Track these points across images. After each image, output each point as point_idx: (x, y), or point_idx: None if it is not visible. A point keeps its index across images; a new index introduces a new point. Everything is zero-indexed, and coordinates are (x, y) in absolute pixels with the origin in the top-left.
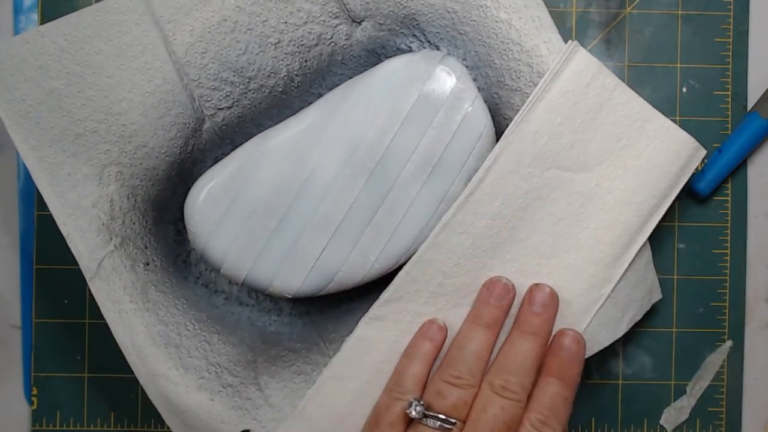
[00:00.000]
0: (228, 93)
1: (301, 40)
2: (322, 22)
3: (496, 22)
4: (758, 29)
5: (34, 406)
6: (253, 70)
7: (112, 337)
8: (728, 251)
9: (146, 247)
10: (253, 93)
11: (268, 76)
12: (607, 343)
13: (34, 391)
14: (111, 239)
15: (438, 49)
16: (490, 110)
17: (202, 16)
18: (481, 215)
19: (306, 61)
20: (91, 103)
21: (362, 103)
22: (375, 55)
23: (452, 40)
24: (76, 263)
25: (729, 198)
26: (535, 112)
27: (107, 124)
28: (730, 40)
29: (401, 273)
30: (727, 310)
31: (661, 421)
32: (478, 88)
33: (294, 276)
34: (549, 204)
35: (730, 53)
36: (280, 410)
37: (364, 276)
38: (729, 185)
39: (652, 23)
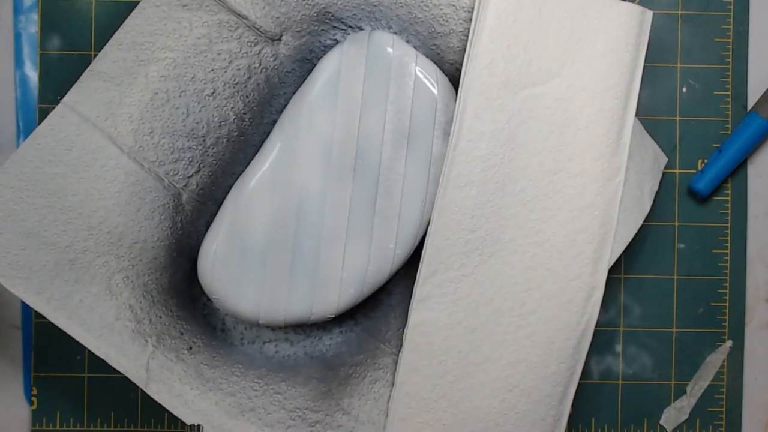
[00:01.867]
0: (190, 159)
1: (234, 80)
2: (245, 55)
3: None
4: (758, 29)
5: (34, 406)
6: (203, 127)
7: None
8: (728, 251)
9: (182, 334)
10: (212, 149)
11: (219, 126)
12: (641, 222)
13: (34, 391)
14: (147, 341)
15: (362, 29)
16: (434, 62)
17: (134, 100)
18: (474, 162)
19: (247, 96)
20: (70, 226)
21: (316, 110)
22: (307, 61)
23: (370, 15)
24: None
25: (729, 198)
26: (480, 46)
27: (94, 238)
28: (730, 40)
29: (426, 247)
30: (727, 310)
31: (661, 421)
32: (414, 47)
33: (328, 295)
34: (532, 123)
35: (730, 53)
36: (374, 422)
37: (391, 266)
38: (729, 185)
39: (653, 24)
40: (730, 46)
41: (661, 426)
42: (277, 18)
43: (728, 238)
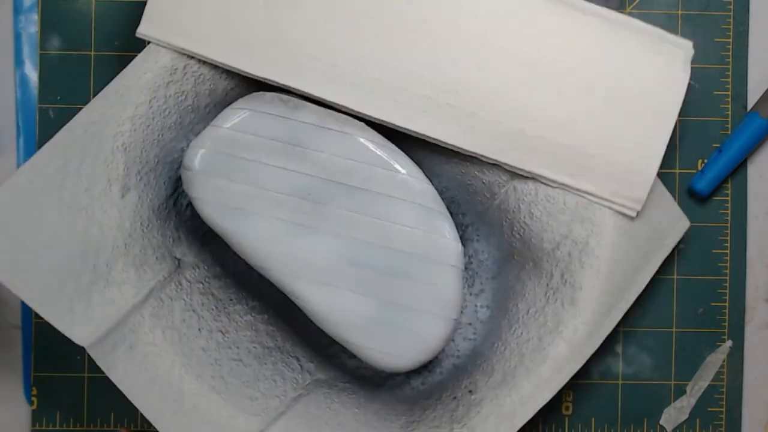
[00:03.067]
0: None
1: (218, 322)
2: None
3: None
4: (758, 29)
5: (34, 406)
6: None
7: None
8: (728, 251)
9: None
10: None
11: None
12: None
13: (34, 391)
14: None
15: (183, 149)
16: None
17: None
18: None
19: (231, 315)
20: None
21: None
22: (208, 232)
23: (174, 145)
24: None
25: (729, 198)
26: None
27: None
28: (730, 40)
29: None
30: (727, 310)
31: (661, 421)
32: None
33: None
34: None
35: (730, 53)
36: None
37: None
38: (729, 185)
39: (652, 23)
40: (730, 46)
41: (661, 426)
42: (156, 260)
43: (728, 238)
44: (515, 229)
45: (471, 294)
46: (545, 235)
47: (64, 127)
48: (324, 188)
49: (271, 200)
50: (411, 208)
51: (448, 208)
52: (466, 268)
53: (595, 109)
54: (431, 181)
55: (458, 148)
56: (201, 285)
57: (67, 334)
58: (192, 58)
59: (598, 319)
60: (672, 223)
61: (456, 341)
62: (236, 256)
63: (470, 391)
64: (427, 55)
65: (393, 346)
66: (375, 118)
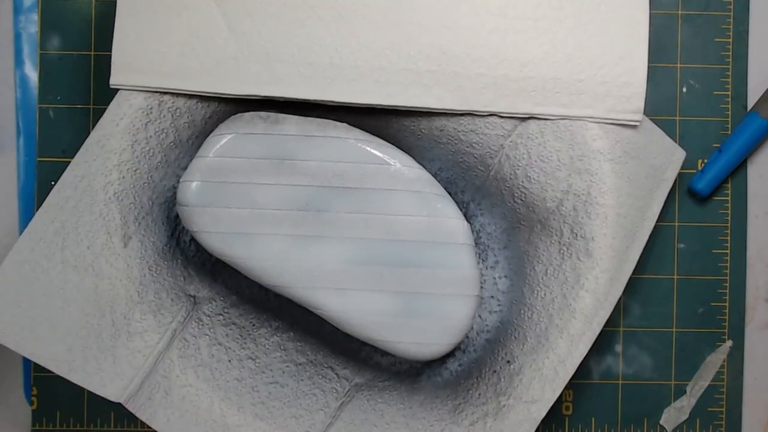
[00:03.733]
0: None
1: (245, 349)
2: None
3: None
4: (758, 29)
5: (34, 406)
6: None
7: None
8: (728, 251)
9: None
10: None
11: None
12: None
13: (34, 391)
14: None
15: (176, 187)
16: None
17: None
18: None
19: (257, 339)
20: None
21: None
22: (217, 263)
23: (164, 183)
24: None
25: (729, 198)
26: None
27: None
28: (730, 40)
29: None
30: (727, 310)
31: (661, 421)
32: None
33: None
34: None
35: (730, 53)
36: None
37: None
38: (729, 185)
39: (652, 23)
40: (730, 46)
41: (661, 426)
42: (172, 301)
43: (728, 238)
44: (516, 195)
45: (487, 267)
46: (546, 194)
47: (53, 189)
48: (321, 195)
49: (271, 218)
50: (409, 196)
51: (446, 189)
52: (476, 243)
53: (570, 35)
54: (424, 167)
55: (450, 110)
56: (221, 317)
57: (102, 394)
58: (165, 93)
59: (617, 264)
60: (668, 156)
61: (482, 317)
62: (250, 281)
63: (508, 362)
64: (395, 30)
65: (422, 336)
66: (361, 104)
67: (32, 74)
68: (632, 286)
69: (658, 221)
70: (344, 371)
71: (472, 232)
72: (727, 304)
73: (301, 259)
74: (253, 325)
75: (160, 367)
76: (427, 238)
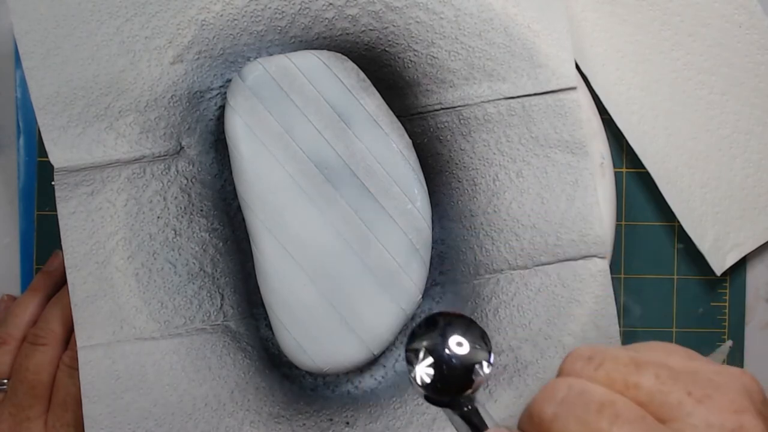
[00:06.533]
0: (209, 293)
1: (180, 207)
2: (169, 183)
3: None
4: None
5: None
6: (194, 263)
7: None
8: None
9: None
10: (216, 272)
11: (204, 251)
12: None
13: None
14: None
15: (230, 80)
16: (295, 49)
17: (127, 296)
18: None
19: (201, 210)
20: None
21: (259, 170)
22: (218, 141)
23: (225, 62)
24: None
25: None
26: None
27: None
28: None
29: None
30: (727, 310)
31: None
32: (280, 52)
33: (388, 328)
34: None
35: None
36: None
37: (426, 244)
38: None
39: None
40: None
41: None
42: (163, 134)
43: None
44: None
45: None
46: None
47: None
48: (342, 172)
49: (292, 152)
50: (401, 239)
51: (431, 260)
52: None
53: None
54: (433, 229)
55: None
56: (185, 181)
57: (47, 148)
58: None
59: None
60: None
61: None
62: (231, 177)
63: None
64: None
65: (311, 345)
66: None
67: None
68: (632, 286)
69: (658, 221)
70: (229, 309)
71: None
72: (727, 304)
73: (285, 205)
74: (201, 210)
75: (106, 172)
76: (386, 280)
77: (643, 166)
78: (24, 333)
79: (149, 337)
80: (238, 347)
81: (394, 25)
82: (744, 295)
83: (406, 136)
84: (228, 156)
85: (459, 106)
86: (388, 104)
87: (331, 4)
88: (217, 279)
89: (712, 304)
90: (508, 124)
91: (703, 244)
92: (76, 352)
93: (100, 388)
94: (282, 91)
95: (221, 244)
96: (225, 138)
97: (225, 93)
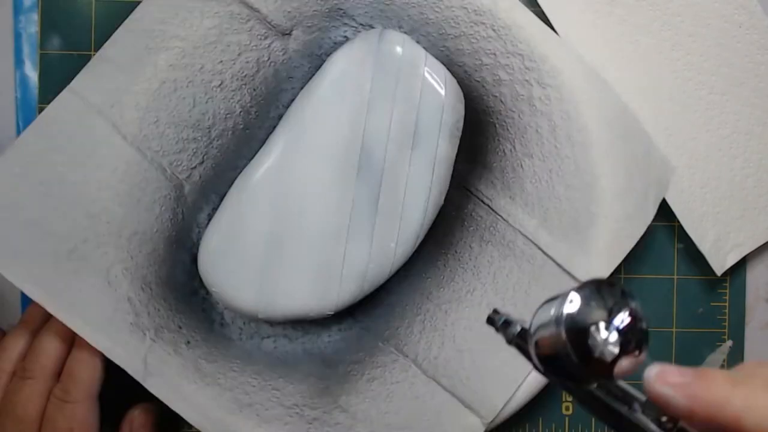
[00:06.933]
0: (194, 150)
1: (242, 72)
2: (254, 48)
3: None
4: None
5: None
6: (209, 119)
7: None
8: None
9: (180, 327)
10: (217, 140)
11: (225, 118)
12: (643, 230)
13: None
14: (145, 334)
15: (372, 27)
16: (443, 63)
17: (141, 88)
18: None
19: (254, 89)
20: (69, 216)
21: (323, 106)
22: (316, 57)
23: (381, 14)
24: None
25: None
26: None
27: (93, 228)
28: None
29: None
30: (727, 310)
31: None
32: (424, 48)
33: (327, 292)
34: None
35: None
36: (372, 420)
37: (392, 265)
38: None
39: None
40: None
41: None
42: (289, 12)
43: None
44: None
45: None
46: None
47: None
48: (373, 172)
49: (357, 121)
50: (363, 258)
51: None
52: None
53: None
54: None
55: None
56: (266, 58)
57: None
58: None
59: None
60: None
61: None
62: (298, 91)
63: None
64: None
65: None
66: None
67: (32, 74)
68: (632, 286)
69: (658, 221)
70: (197, 176)
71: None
72: (727, 304)
73: (314, 152)
74: (253, 90)
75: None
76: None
77: None
78: (14, 367)
79: (122, 131)
80: (174, 209)
81: (519, 116)
82: (744, 295)
83: (443, 198)
84: (312, 74)
85: (501, 216)
86: (455, 161)
87: (494, 53)
88: (212, 146)
89: (712, 304)
90: (519, 263)
91: (704, 244)
92: (67, 384)
93: None
94: (399, 75)
95: (241, 126)
96: (324, 59)
97: (359, 30)
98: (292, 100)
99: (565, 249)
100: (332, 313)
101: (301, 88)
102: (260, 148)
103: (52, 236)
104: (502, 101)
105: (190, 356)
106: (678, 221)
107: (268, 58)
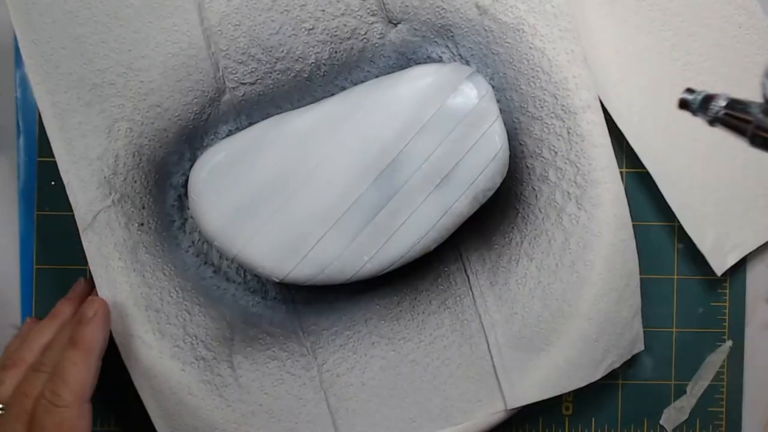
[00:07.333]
0: (253, 69)
1: (335, 31)
2: (358, 17)
3: (530, 48)
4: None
5: None
6: (283, 51)
7: (111, 339)
8: None
9: (143, 208)
10: (278, 74)
11: (296, 60)
12: (581, 384)
13: None
14: (110, 194)
15: (468, 64)
16: (508, 134)
17: None
18: None
19: (336, 52)
20: (113, 54)
21: (384, 104)
22: (405, 58)
23: (483, 57)
24: (75, 263)
25: None
26: None
27: (125, 78)
28: None
29: None
30: (727, 310)
31: (661, 421)
32: (501, 110)
33: (286, 261)
34: None
35: None
36: (249, 392)
37: (354, 274)
38: None
39: None
40: None
41: (661, 426)
42: (406, 6)
43: None
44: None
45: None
46: None
47: None
48: (399, 178)
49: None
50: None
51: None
52: None
53: None
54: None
55: None
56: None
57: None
58: None
59: None
60: None
61: None
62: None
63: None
64: None
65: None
66: None
67: None
68: None
69: (658, 221)
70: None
71: None
72: (727, 304)
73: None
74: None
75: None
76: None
77: (643, 166)
78: (35, 358)
79: (203, 14)
80: (204, 107)
81: (543, 220)
82: (744, 295)
83: (435, 246)
84: (392, 71)
85: (473, 293)
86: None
87: (556, 152)
88: (270, 76)
89: (712, 304)
90: (461, 344)
91: (704, 245)
92: (57, 386)
93: None
94: (464, 118)
95: (305, 75)
96: (411, 64)
97: (455, 59)
98: (362, 81)
99: (509, 357)
100: (278, 280)
101: (376, 77)
102: (309, 104)
103: (88, 63)
104: (537, 197)
105: (135, 237)
106: (678, 221)
107: (365, 34)
